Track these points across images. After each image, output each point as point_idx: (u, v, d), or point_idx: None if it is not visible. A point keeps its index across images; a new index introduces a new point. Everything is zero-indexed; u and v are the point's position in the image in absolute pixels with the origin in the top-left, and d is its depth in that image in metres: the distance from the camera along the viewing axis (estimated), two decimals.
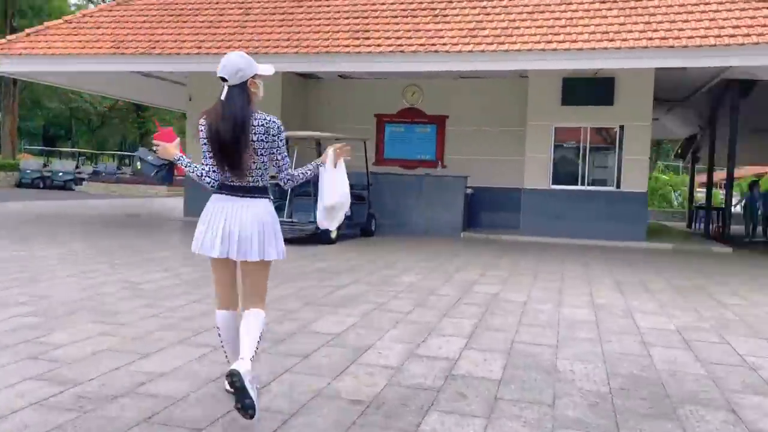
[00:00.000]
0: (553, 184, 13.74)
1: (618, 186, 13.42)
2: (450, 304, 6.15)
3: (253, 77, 3.20)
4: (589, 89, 13.14)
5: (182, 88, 16.50)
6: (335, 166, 3.42)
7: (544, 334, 5.08)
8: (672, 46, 10.75)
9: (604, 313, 5.98)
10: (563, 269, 9.15)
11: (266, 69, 3.27)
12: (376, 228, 13.10)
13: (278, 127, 3.22)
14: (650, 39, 10.94)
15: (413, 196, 14.03)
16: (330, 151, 3.41)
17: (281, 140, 3.24)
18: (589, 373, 4.06)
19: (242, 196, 3.20)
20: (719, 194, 24.70)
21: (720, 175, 24.34)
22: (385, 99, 15.94)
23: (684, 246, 13.01)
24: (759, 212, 16.80)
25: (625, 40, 11.03)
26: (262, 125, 3.18)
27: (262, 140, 3.17)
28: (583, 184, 13.66)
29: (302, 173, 3.35)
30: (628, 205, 13.25)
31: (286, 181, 3.33)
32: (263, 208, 3.23)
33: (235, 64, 3.16)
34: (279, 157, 3.26)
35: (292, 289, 6.62)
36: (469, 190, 14.02)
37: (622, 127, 13.36)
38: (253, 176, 3.20)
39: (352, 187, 3.60)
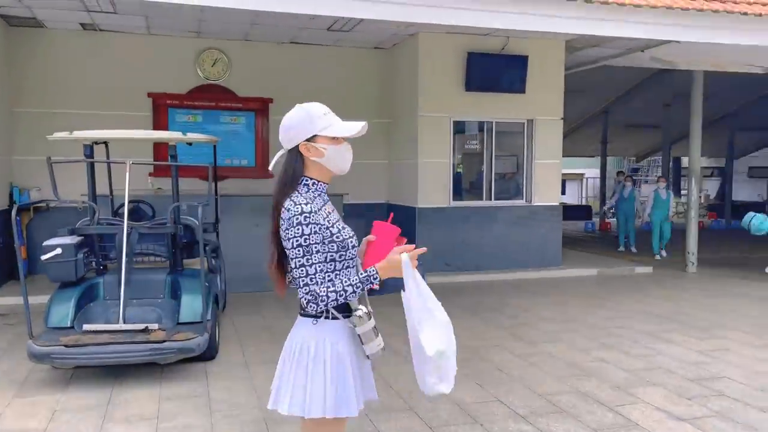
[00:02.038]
0: (453, 200, 9.93)
1: (529, 199, 10.34)
2: None
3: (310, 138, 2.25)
4: (498, 69, 9.66)
5: None
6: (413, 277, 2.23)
7: None
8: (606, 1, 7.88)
9: None
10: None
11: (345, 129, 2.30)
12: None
13: None
14: None
15: (255, 229, 8.59)
16: (404, 257, 2.19)
17: None
18: None
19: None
20: None
21: None
22: (167, 69, 9.83)
23: (608, 269, 10.63)
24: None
25: None
26: None
27: None
28: (489, 198, 10.19)
29: (343, 293, 2.21)
30: (541, 223, 10.28)
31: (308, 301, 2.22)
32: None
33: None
34: None
35: None
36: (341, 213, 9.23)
37: (531, 122, 10.27)
38: None
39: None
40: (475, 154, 10.31)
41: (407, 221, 9.90)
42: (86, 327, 5.17)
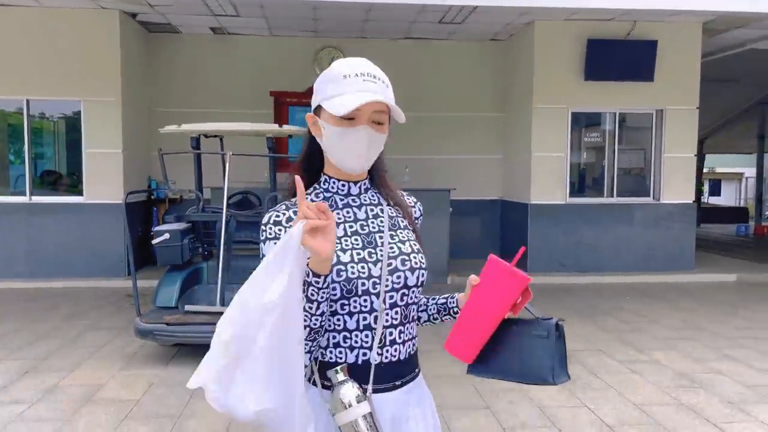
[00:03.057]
0: (571, 196, 9.43)
1: (657, 197, 9.56)
2: None
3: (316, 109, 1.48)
4: (622, 56, 9.00)
5: None
6: None
7: None
8: None
9: None
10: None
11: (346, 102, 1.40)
12: None
13: None
14: None
15: None
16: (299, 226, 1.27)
17: None
18: None
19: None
20: None
21: None
22: (287, 68, 10.25)
23: (750, 275, 9.55)
24: None
25: None
26: None
27: None
28: (610, 195, 9.56)
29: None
30: (671, 223, 9.45)
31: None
32: None
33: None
34: None
35: None
36: (449, 209, 9.12)
37: (660, 113, 9.49)
38: None
39: None
40: (597, 147, 9.70)
41: (519, 218, 9.54)
42: (188, 308, 5.50)
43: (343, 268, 1.40)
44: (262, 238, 1.43)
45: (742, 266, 10.24)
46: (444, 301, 1.58)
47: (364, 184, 1.54)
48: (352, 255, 1.42)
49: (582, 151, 9.76)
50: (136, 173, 9.45)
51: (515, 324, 1.45)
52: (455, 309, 1.55)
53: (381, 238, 1.48)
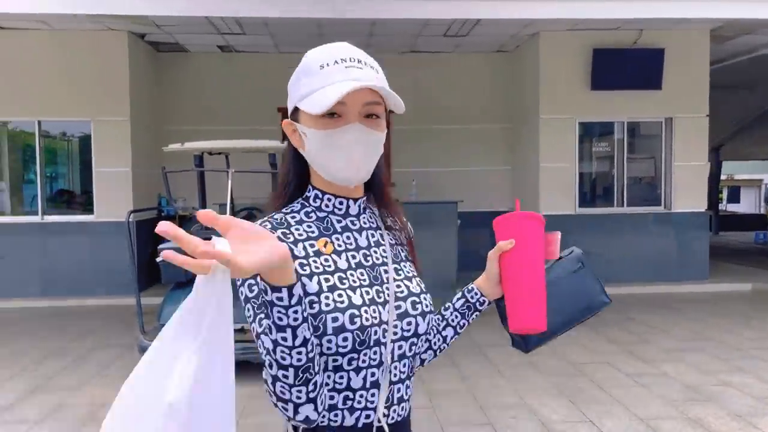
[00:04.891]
0: (580, 206, 9.36)
1: (668, 206, 9.45)
2: None
3: (293, 113, 1.20)
4: (628, 65, 8.94)
5: None
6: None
7: None
8: None
9: None
10: None
11: (322, 99, 1.10)
12: None
13: None
14: None
15: None
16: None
17: None
18: None
19: None
20: None
21: None
22: None
23: (766, 284, 9.39)
24: None
25: None
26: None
27: None
28: (620, 204, 9.47)
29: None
30: (683, 232, 9.33)
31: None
32: None
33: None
34: None
35: None
36: (457, 222, 9.08)
37: (669, 121, 9.41)
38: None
39: None
40: (606, 156, 9.63)
41: None
42: None
43: (356, 312, 1.10)
44: None
45: (758, 275, 10.06)
46: (462, 302, 1.35)
47: (363, 202, 1.25)
48: (362, 295, 1.13)
49: (591, 160, 9.70)
50: (146, 191, 9.54)
51: (546, 274, 1.32)
52: (481, 300, 1.34)
53: (386, 272, 1.20)
